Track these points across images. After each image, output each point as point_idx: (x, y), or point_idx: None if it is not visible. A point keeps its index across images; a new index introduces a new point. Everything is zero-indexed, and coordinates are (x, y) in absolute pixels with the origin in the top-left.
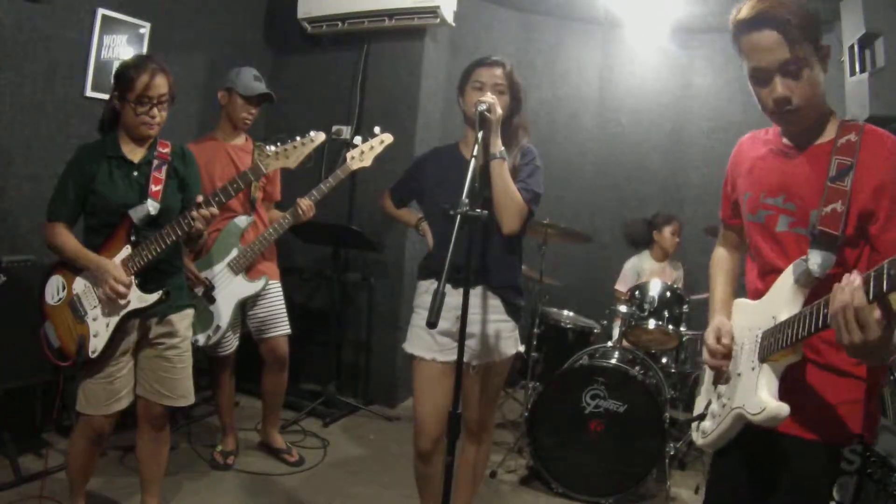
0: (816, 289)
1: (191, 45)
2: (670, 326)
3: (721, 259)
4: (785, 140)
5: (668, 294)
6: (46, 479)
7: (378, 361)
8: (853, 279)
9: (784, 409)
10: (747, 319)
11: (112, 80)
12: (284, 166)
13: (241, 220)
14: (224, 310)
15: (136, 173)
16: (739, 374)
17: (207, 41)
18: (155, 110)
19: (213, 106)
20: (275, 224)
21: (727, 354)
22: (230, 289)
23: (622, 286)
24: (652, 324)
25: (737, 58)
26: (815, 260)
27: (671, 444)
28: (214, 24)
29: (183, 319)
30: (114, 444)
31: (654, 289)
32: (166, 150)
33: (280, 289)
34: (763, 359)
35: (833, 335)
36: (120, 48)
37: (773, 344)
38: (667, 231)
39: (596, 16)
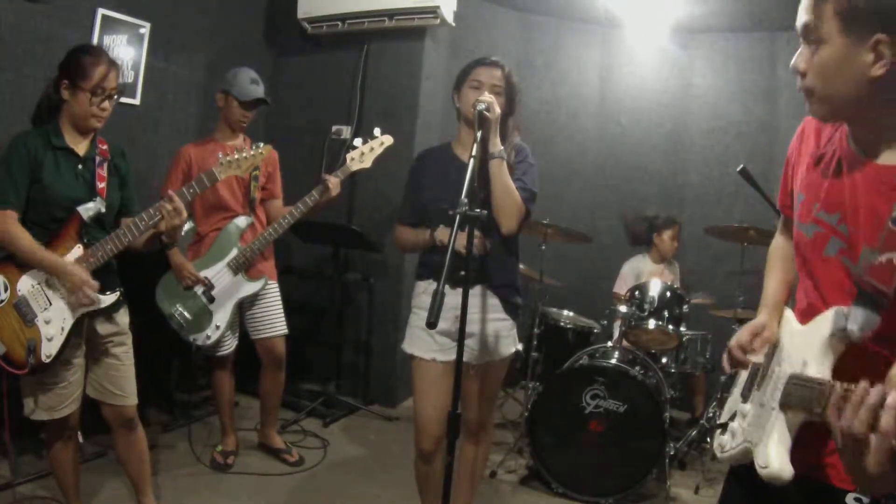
0: (852, 348)
1: (191, 45)
2: (670, 326)
3: (779, 250)
4: (852, 144)
5: (668, 294)
6: (46, 480)
7: (378, 361)
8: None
9: (786, 472)
10: (787, 342)
11: (60, 68)
12: (235, 174)
13: (241, 221)
14: (223, 310)
15: (80, 167)
16: (762, 405)
17: (207, 41)
18: (107, 103)
19: (213, 106)
20: (285, 215)
21: (751, 354)
22: (229, 289)
23: (621, 288)
24: (652, 324)
25: (737, 58)
26: (856, 318)
27: (671, 444)
28: (214, 24)
29: (124, 315)
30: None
31: (654, 289)
32: (105, 146)
33: (278, 289)
34: (782, 406)
35: None
36: (120, 48)
37: (792, 395)
38: (666, 235)
39: (596, 16)
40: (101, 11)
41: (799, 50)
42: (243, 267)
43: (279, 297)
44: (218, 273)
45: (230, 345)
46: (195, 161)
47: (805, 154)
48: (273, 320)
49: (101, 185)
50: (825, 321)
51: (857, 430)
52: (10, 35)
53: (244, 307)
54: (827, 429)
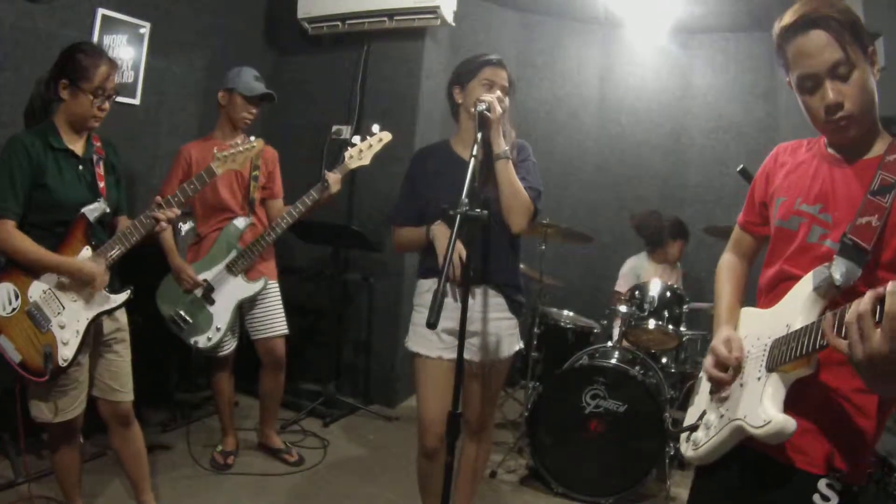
0: (835, 301)
1: (191, 45)
2: (670, 326)
3: (729, 267)
4: (830, 150)
5: (668, 294)
6: (46, 480)
7: (378, 361)
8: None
9: (791, 423)
10: (756, 328)
11: (58, 66)
12: (233, 168)
13: (240, 222)
14: (223, 311)
15: (81, 168)
16: (742, 385)
17: (207, 41)
18: (107, 103)
19: (213, 106)
20: (284, 215)
21: (737, 368)
22: (229, 290)
23: (622, 288)
24: (652, 324)
25: (737, 58)
26: (839, 268)
27: (671, 444)
28: (214, 24)
29: (123, 313)
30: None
31: (654, 289)
32: (98, 143)
33: (278, 289)
34: (771, 368)
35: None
36: (120, 48)
37: (784, 353)
38: (679, 244)
39: (596, 16)
40: (101, 11)
41: (826, 88)
42: (243, 268)
43: (280, 298)
44: (217, 275)
45: (230, 346)
46: (196, 160)
47: (780, 170)
48: (273, 321)
49: (102, 184)
50: (805, 282)
51: (866, 326)
52: (10, 35)
53: (244, 308)
54: (799, 409)
